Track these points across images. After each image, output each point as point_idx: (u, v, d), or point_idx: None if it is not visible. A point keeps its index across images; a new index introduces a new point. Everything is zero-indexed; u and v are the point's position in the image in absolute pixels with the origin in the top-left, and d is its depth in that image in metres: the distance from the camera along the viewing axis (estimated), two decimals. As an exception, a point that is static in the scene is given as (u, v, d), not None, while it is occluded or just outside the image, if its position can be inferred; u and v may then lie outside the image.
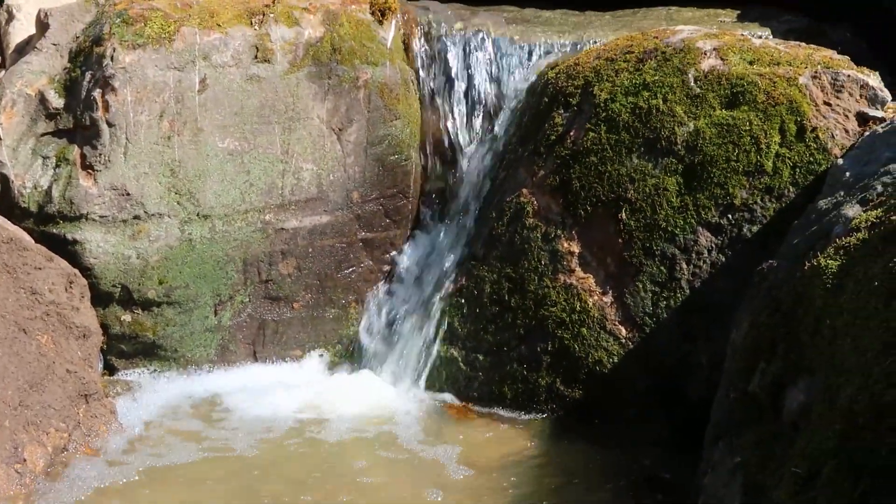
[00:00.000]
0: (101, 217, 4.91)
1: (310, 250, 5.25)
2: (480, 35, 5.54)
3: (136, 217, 4.96)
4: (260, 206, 5.14)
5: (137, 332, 5.06)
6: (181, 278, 5.05)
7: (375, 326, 5.29)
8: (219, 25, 5.05)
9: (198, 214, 5.04)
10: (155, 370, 5.13)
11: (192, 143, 5.01)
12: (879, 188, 3.90)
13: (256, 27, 5.11)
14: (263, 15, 5.13)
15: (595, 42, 5.44)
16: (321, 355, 5.31)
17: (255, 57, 5.09)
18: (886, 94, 4.58)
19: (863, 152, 4.23)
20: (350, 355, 5.31)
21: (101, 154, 4.90)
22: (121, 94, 4.89)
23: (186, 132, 5.00)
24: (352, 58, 5.24)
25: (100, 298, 4.96)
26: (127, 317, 5.04)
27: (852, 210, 3.87)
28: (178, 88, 4.97)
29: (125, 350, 5.09)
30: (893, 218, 3.55)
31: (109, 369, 5.11)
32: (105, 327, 4.99)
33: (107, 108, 4.88)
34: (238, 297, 5.17)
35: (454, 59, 5.49)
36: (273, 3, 5.18)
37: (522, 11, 6.04)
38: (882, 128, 4.27)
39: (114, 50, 4.90)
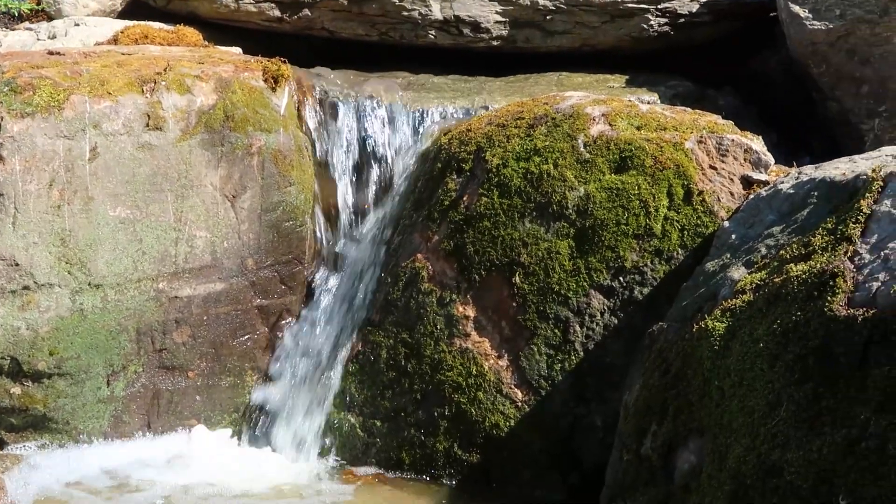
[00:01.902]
0: (-12, 288, 4.82)
1: (204, 318, 5.20)
2: (373, 101, 5.58)
3: (26, 287, 4.87)
4: (153, 274, 5.08)
5: (27, 405, 4.95)
6: (72, 349, 4.96)
7: (272, 395, 5.24)
8: (109, 93, 5.01)
9: (89, 284, 4.97)
10: (46, 443, 5.01)
11: (82, 211, 4.95)
12: (763, 250, 4.01)
13: (148, 95, 5.08)
14: (155, 83, 5.11)
15: (487, 107, 5.52)
16: (217, 425, 5.25)
17: (147, 125, 5.06)
18: (769, 158, 4.71)
19: (748, 215, 4.35)
20: (246, 424, 5.25)
21: (-12, 224, 4.82)
22: (9, 163, 4.82)
23: (77, 201, 4.94)
24: (245, 125, 5.24)
25: (-12, 371, 4.87)
26: (16, 389, 4.93)
27: (738, 272, 3.97)
28: (67, 157, 4.91)
29: (15, 423, 4.97)
30: (776, 280, 3.64)
31: (-2, 443, 5.00)
32: (-7, 401, 4.89)
33: (-6, 177, 4.81)
34: (131, 367, 5.10)
35: (347, 125, 5.52)
36: (165, 70, 5.16)
37: (415, 77, 6.11)
38: (765, 191, 4.39)
39: (1, 119, 4.83)
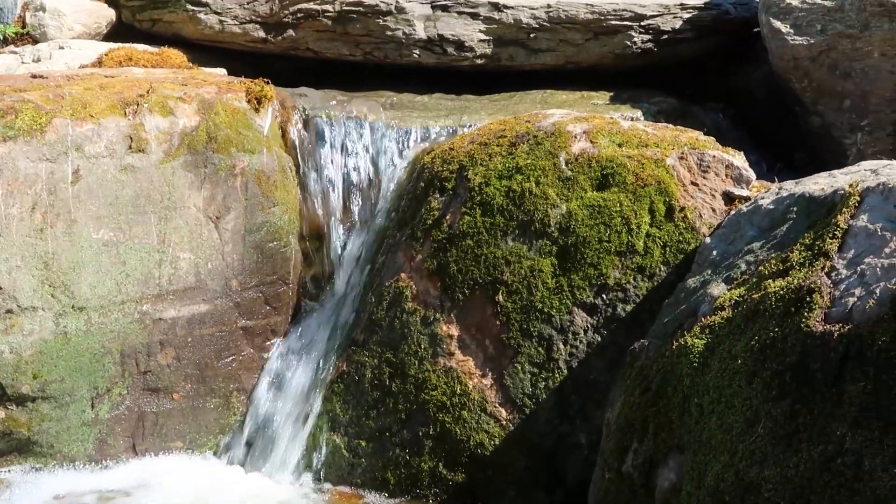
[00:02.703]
0: (-29, 312, 4.82)
1: (189, 340, 5.19)
2: (358, 120, 5.59)
3: (9, 311, 4.86)
4: (137, 296, 5.08)
5: (12, 429, 4.94)
6: (56, 372, 4.95)
7: (257, 416, 5.23)
8: (92, 116, 5.01)
9: (73, 307, 4.96)
10: (30, 467, 4.99)
11: (65, 234, 4.95)
12: (743, 266, 4.01)
13: (130, 117, 5.09)
14: (137, 105, 5.11)
15: (471, 126, 5.52)
16: (203, 446, 5.24)
17: (130, 147, 5.06)
18: (751, 174, 4.72)
19: (728, 231, 4.36)
20: (232, 446, 5.24)
21: (-29, 248, 4.81)
22: (-9, 187, 4.83)
23: (60, 224, 4.94)
24: (228, 146, 5.24)
25: (-29, 396, 4.86)
26: (0, 413, 4.92)
27: (717, 289, 3.97)
28: (50, 180, 4.92)
29: (-1, 447, 4.98)
30: (755, 296, 3.65)
31: (-18, 468, 4.99)
32: (-23, 425, 4.88)
33: (-23, 201, 4.82)
34: (116, 390, 5.09)
35: (331, 145, 5.53)
36: (147, 93, 5.16)
37: (399, 96, 6.12)
38: (746, 207, 4.40)
39: (-16, 143, 4.84)
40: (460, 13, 6.19)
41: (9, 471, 4.97)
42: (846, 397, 3.09)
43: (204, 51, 6.35)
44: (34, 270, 4.90)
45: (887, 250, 3.39)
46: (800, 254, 3.66)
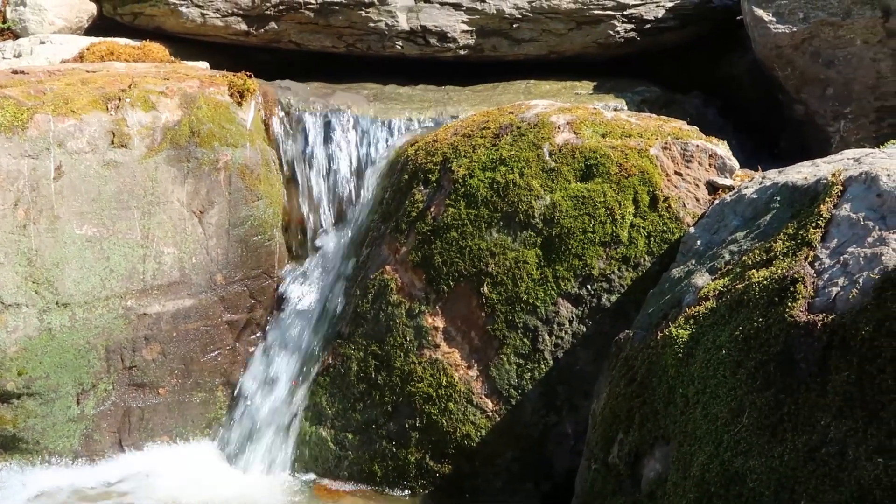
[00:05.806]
0: (-45, 310, 4.80)
1: (174, 334, 5.18)
2: (341, 113, 5.57)
3: (-7, 308, 4.85)
4: (121, 291, 5.06)
5: (-3, 426, 4.94)
6: (41, 369, 4.94)
7: (243, 410, 5.23)
8: (73, 112, 4.99)
9: (57, 303, 4.95)
10: (17, 464, 4.98)
11: (48, 231, 4.93)
12: (727, 256, 4.01)
13: (112, 112, 5.07)
14: (119, 100, 5.09)
15: (456, 117, 5.51)
16: (189, 441, 5.23)
17: (112, 142, 5.04)
18: (734, 163, 4.71)
19: (713, 220, 4.35)
20: (218, 440, 5.24)
21: (-47, 246, 4.79)
22: (-27, 183, 4.80)
23: (43, 220, 4.92)
24: (211, 140, 5.23)
25: (-44, 393, 4.84)
26: (-15, 410, 4.91)
27: (702, 279, 3.97)
28: (32, 176, 4.90)
29: (-16, 445, 4.96)
30: (739, 286, 3.65)
31: (-32, 465, 4.97)
32: (-38, 422, 4.87)
33: (-41, 198, 4.79)
34: (101, 386, 5.08)
35: (315, 138, 5.51)
36: (129, 88, 5.14)
37: (383, 88, 6.11)
38: (730, 196, 4.39)
39: (-35, 139, 4.81)
40: (442, 4, 6.18)
41: (-5, 468, 4.97)
42: (830, 387, 3.10)
43: (186, 44, 6.33)
44: (17, 267, 4.88)
45: (870, 240, 3.39)
46: (783, 244, 3.67)
